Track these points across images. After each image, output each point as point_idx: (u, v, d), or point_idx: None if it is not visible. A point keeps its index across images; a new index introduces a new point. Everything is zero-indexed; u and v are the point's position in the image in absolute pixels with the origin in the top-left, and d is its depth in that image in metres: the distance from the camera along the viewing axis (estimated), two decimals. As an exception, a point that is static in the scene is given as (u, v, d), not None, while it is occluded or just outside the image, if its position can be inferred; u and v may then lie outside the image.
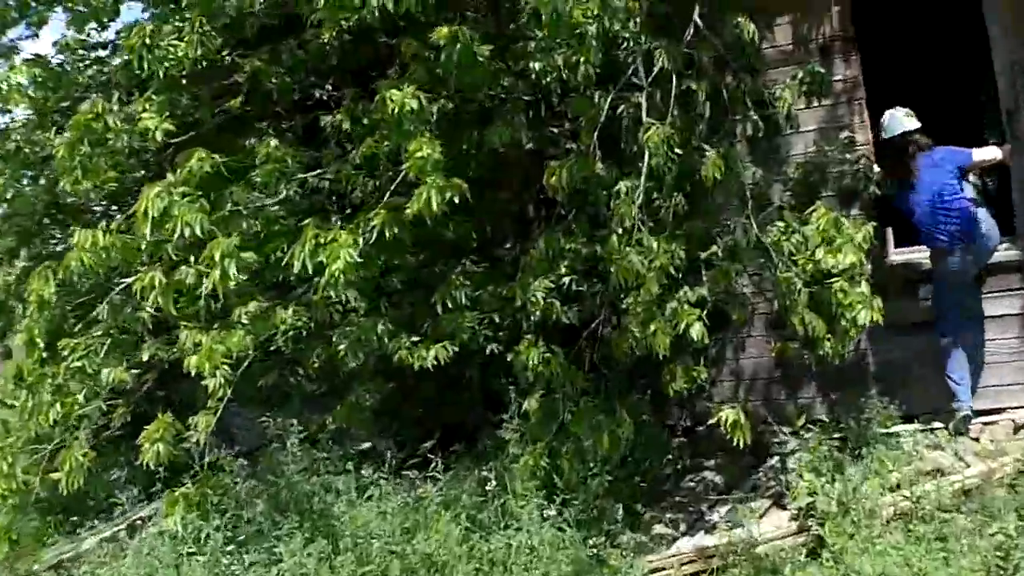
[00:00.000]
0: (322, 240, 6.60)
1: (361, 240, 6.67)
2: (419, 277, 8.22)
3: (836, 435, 8.72)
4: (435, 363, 7.29)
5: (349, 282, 6.76)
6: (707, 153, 7.02)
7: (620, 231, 6.82)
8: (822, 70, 8.03)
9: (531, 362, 7.03)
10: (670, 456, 9.09)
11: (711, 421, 7.04)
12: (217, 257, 6.28)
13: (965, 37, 11.34)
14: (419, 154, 6.46)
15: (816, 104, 8.62)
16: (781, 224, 7.41)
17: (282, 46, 8.81)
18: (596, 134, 6.99)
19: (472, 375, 8.76)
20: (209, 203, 6.75)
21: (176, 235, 6.42)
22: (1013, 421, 8.59)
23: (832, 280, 7.06)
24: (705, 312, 7.06)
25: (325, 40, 8.25)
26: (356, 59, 9.05)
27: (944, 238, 8.25)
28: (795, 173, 8.87)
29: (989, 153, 8.41)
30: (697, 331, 6.74)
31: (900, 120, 8.48)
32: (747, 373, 9.55)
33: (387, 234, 6.61)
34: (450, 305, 7.47)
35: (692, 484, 8.77)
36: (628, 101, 7.20)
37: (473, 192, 8.04)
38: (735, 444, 6.81)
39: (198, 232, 6.37)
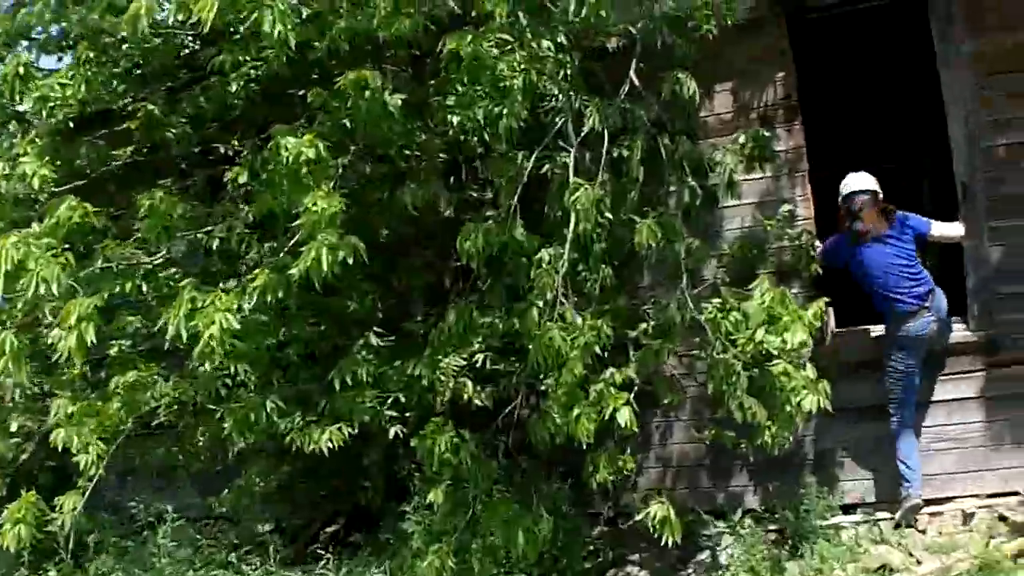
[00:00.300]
0: (198, 304, 5.64)
1: (246, 305, 5.71)
2: (318, 351, 7.20)
3: (771, 527, 7.87)
4: (331, 446, 6.30)
5: (230, 353, 5.97)
6: (640, 221, 6.05)
7: (541, 304, 5.87)
8: (767, 133, 7.12)
9: (438, 448, 6.04)
10: (592, 548, 8.10)
11: (638, 517, 6.06)
12: (73, 320, 5.29)
13: (915, 109, 10.87)
14: (314, 208, 5.52)
15: (757, 175, 7.80)
16: (718, 301, 6.48)
17: (183, 94, 7.84)
18: (517, 196, 6.07)
19: (374, 459, 7.70)
20: (77, 258, 5.84)
21: (31, 291, 5.43)
22: (962, 511, 7.73)
23: (774, 363, 6.16)
24: (632, 395, 6.16)
25: (232, 89, 7.30)
26: (264, 111, 8.09)
27: (912, 301, 7.48)
28: (732, 248, 8.02)
29: (952, 229, 7.71)
30: (625, 417, 5.83)
31: (865, 179, 7.69)
32: (674, 459, 8.60)
33: (270, 298, 5.62)
34: (349, 383, 6.49)
35: (616, 581, 7.78)
36: (554, 162, 6.27)
37: (384, 259, 7.22)
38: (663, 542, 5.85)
39: (54, 289, 5.39)
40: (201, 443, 7.52)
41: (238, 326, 5.66)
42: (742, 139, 7.02)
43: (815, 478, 8.03)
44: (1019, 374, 7.70)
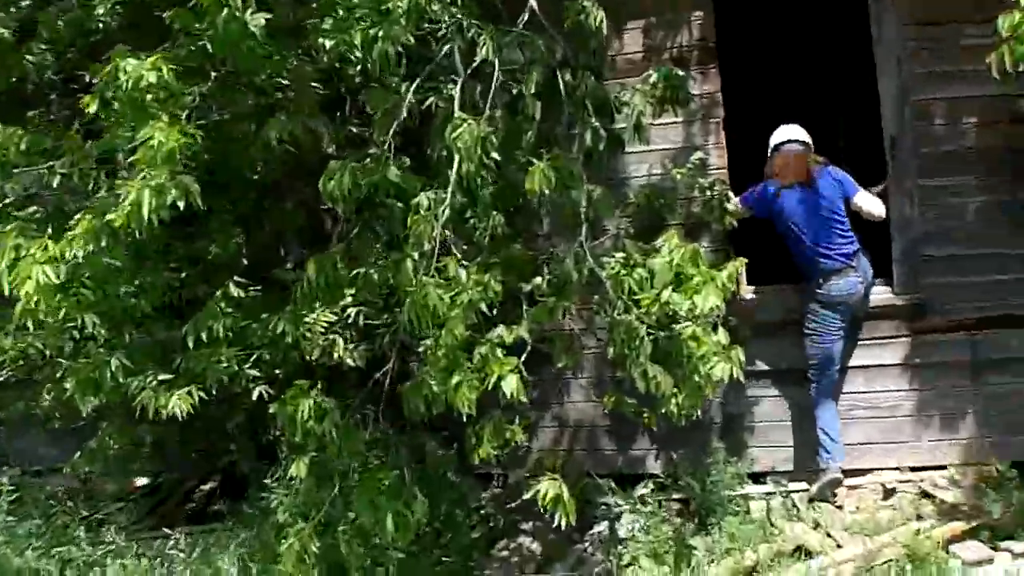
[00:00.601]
0: (23, 252, 4.67)
1: (79, 253, 4.75)
2: (176, 301, 6.20)
3: (675, 496, 7.09)
4: (182, 410, 5.34)
5: (76, 302, 5.09)
6: (535, 163, 5.08)
7: (417, 256, 4.93)
8: (680, 72, 6.18)
9: (300, 415, 5.10)
10: (481, 515, 7.25)
11: (527, 495, 5.18)
12: None
13: (835, 65, 10.03)
14: (151, 142, 4.53)
15: (667, 120, 6.88)
16: (621, 255, 5.58)
17: (41, 15, 6.76)
18: (392, 132, 5.10)
19: (238, 422, 6.72)
20: None
21: None
22: (882, 486, 7.05)
23: (682, 326, 5.29)
24: (524, 356, 5.27)
25: (100, 12, 6.29)
26: (132, 36, 7.01)
27: (840, 258, 6.80)
28: (638, 197, 7.12)
29: (876, 206, 6.95)
30: (512, 386, 4.91)
31: (797, 131, 6.92)
32: (572, 418, 7.76)
33: (95, 248, 4.65)
34: (205, 339, 5.52)
35: (506, 553, 6.90)
36: (440, 94, 5.31)
37: (256, 200, 6.24)
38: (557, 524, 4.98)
39: None
40: (47, 402, 6.51)
41: (58, 280, 4.71)
42: (653, 77, 6.06)
43: (723, 444, 7.31)
44: (945, 340, 6.97)
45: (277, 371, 5.98)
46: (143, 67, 4.82)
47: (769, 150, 6.99)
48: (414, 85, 5.22)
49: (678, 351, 5.26)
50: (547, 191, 4.98)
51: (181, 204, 4.66)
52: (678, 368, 5.34)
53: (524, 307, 5.84)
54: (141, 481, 8.90)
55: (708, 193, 7.12)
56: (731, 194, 7.11)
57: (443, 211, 4.90)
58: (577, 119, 5.80)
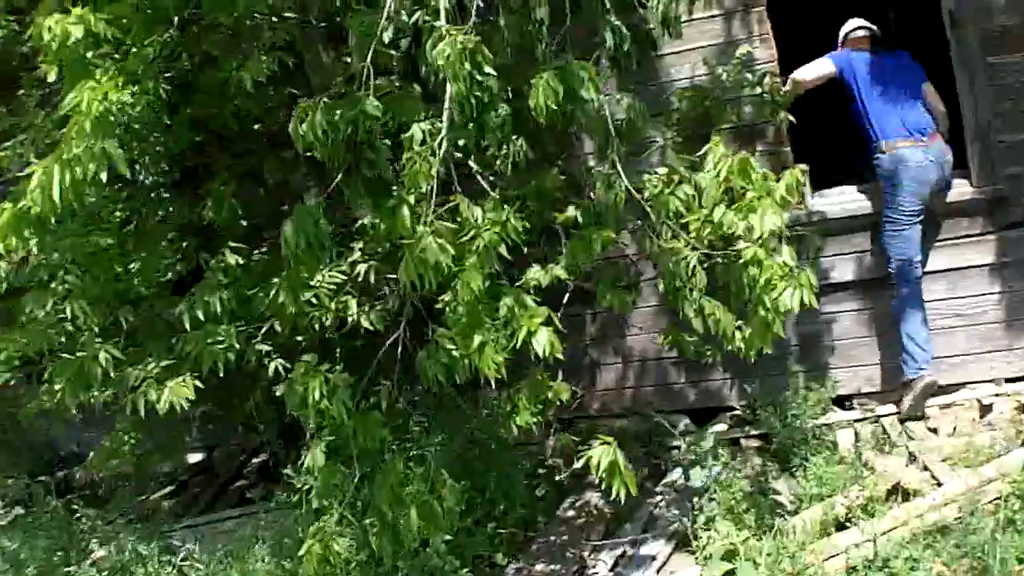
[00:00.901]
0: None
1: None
2: (184, 275, 5.38)
3: (753, 433, 6.15)
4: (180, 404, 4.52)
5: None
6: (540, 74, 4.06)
7: (412, 201, 3.99)
8: None
9: (311, 397, 4.22)
10: (545, 469, 6.37)
11: (577, 464, 4.27)
12: None
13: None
14: (80, 105, 3.66)
15: (704, 14, 5.88)
16: (663, 171, 4.59)
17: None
18: (370, 57, 4.13)
19: (257, 402, 5.87)
20: None
21: None
22: (979, 401, 6.00)
23: (741, 248, 4.31)
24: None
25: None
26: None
27: (915, 132, 5.85)
28: (680, 103, 6.07)
29: (939, 100, 6.00)
30: (544, 343, 3.97)
31: (863, 21, 6.13)
32: (636, 352, 6.79)
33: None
34: (202, 316, 4.67)
35: (572, 513, 5.99)
36: (427, 7, 4.33)
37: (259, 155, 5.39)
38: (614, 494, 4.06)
39: None
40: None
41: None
42: (680, -40, 5.02)
43: (802, 367, 6.36)
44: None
45: (300, 340, 5.10)
46: (67, 22, 3.92)
47: (839, 41, 6.15)
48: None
49: (738, 279, 4.28)
50: (553, 105, 3.95)
51: (103, 175, 3.76)
52: (740, 299, 4.37)
53: (563, 241, 4.91)
54: (194, 458, 8.24)
55: (758, 89, 6.06)
56: (784, 86, 6.04)
57: (439, 144, 3.94)
58: (598, 18, 4.78)
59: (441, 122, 4.03)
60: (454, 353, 4.00)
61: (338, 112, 3.98)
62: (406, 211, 3.93)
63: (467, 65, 3.70)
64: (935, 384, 5.93)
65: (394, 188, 4.14)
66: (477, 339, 3.95)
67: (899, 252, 5.86)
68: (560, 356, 4.00)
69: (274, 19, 5.04)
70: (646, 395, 6.79)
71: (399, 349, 4.31)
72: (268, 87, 5.27)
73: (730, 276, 4.34)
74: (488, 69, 3.76)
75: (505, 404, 4.41)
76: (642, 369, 6.83)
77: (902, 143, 5.83)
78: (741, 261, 4.27)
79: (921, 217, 5.84)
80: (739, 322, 4.48)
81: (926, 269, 6.02)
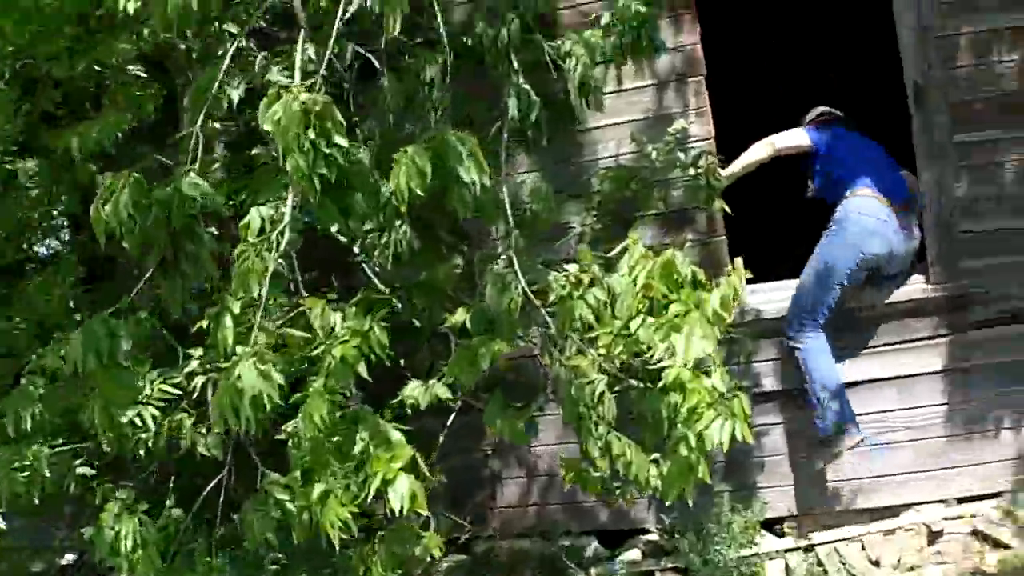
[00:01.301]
0: None
1: None
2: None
3: (670, 565, 5.25)
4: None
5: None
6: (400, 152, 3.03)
7: (236, 310, 2.95)
8: (644, 5, 4.13)
9: (122, 545, 3.17)
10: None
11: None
12: None
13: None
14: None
15: (635, 83, 5.00)
16: (572, 268, 3.59)
17: None
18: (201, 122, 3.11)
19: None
20: None
21: None
22: (927, 527, 5.05)
23: (661, 367, 3.32)
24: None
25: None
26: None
27: (891, 195, 4.97)
28: (601, 184, 5.11)
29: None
30: (402, 494, 2.95)
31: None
32: (542, 465, 5.69)
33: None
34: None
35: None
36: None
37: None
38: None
39: None
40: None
41: None
42: (606, 18, 4.07)
43: (728, 486, 5.34)
44: (995, 337, 5.00)
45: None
46: None
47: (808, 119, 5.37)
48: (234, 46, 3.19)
49: (655, 410, 3.29)
50: (415, 189, 2.93)
51: None
52: (659, 433, 3.38)
53: (454, 347, 3.88)
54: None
55: (692, 171, 5.11)
56: (720, 169, 5.10)
57: (278, 235, 2.91)
58: (502, 80, 3.81)
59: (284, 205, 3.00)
60: (288, 506, 2.95)
61: (153, 193, 2.93)
62: (228, 322, 2.89)
63: (310, 132, 2.68)
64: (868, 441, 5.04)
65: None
66: (319, 487, 2.90)
67: (812, 287, 4.95)
68: (423, 511, 2.97)
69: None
70: (552, 513, 5.70)
71: (221, 496, 3.25)
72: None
73: (646, 406, 3.35)
74: (339, 139, 2.74)
75: (357, 567, 3.33)
76: (549, 484, 5.72)
77: (868, 192, 4.95)
78: (660, 385, 3.28)
79: (847, 287, 4.95)
80: (656, 455, 3.49)
81: (871, 376, 5.12)
